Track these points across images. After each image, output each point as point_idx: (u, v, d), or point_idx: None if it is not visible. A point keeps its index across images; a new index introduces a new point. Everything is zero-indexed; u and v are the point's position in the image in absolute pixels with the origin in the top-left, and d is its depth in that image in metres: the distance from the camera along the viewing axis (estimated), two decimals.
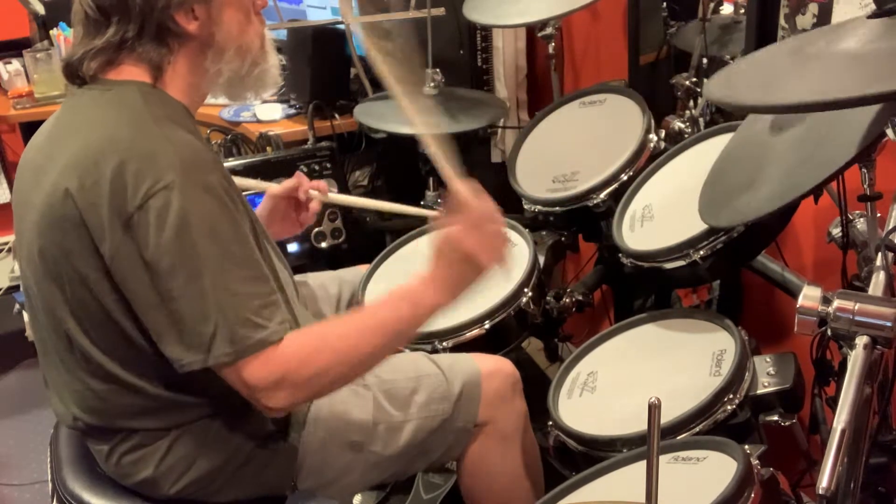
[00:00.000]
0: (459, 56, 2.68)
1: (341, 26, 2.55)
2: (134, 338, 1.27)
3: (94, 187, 1.19)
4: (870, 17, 1.02)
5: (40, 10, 3.13)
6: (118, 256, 1.20)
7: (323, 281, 1.85)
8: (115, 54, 1.28)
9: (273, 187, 1.76)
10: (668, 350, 1.62)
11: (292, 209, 1.77)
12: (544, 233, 2.02)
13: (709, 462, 1.27)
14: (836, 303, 0.98)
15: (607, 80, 2.36)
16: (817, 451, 1.58)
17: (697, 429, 1.38)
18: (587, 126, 2.11)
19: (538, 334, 2.06)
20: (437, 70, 2.33)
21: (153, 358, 1.26)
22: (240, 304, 1.21)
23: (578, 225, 2.03)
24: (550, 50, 2.51)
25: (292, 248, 2.38)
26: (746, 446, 1.23)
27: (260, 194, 1.80)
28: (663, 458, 1.29)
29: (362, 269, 1.92)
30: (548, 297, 1.89)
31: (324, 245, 2.42)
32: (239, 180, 1.79)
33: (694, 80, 2.03)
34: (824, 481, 0.83)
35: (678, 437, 1.37)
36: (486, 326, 1.67)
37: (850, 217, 1.43)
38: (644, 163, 1.90)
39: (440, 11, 2.39)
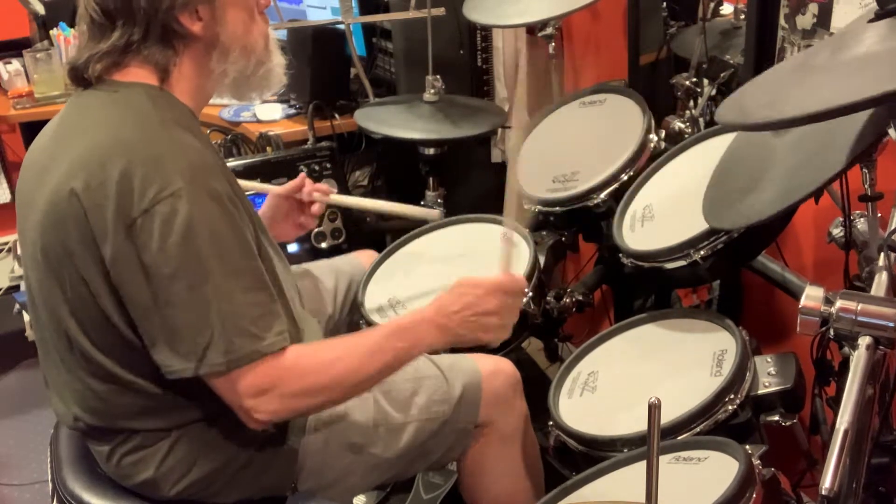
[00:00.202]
0: (459, 56, 2.68)
1: (341, 26, 2.55)
2: (132, 339, 1.27)
3: (100, 188, 1.19)
4: (871, 20, 1.02)
5: (40, 10, 3.13)
6: (118, 259, 1.20)
7: (319, 274, 1.85)
8: (121, 57, 1.28)
9: (275, 188, 1.76)
10: (669, 350, 1.62)
11: (295, 210, 1.77)
12: (544, 233, 2.02)
13: (710, 462, 1.27)
14: (839, 303, 0.98)
15: (607, 80, 2.36)
16: (818, 451, 1.58)
17: (698, 429, 1.38)
18: (587, 126, 2.11)
19: (538, 334, 2.06)
20: (438, 77, 2.33)
21: (152, 359, 1.26)
22: (239, 314, 1.21)
23: (578, 225, 2.03)
24: (550, 50, 2.51)
25: (292, 248, 2.38)
26: (747, 446, 1.23)
27: (262, 194, 1.80)
28: (664, 458, 1.29)
29: (359, 256, 1.92)
30: (548, 297, 1.89)
31: (324, 245, 2.42)
32: (242, 183, 1.80)
33: (694, 80, 2.03)
34: (827, 482, 0.83)
35: (679, 437, 1.37)
36: None
37: (851, 217, 1.43)
38: (644, 163, 1.89)
39: (440, 11, 2.39)
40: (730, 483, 1.14)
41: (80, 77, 1.30)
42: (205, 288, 1.19)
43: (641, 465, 1.32)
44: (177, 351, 1.21)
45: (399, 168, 2.80)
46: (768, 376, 1.45)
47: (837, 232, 1.45)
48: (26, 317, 2.75)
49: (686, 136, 1.95)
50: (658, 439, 0.77)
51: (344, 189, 2.50)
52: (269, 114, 2.73)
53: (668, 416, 1.38)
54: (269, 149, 2.56)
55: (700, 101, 2.01)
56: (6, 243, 3.54)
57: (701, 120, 1.99)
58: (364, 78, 2.61)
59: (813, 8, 1.68)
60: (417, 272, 1.85)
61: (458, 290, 1.37)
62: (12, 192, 3.41)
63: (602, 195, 1.89)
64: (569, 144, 2.10)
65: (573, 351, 1.72)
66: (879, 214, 1.31)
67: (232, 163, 2.38)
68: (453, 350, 1.49)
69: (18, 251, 2.86)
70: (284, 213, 1.76)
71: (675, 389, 1.48)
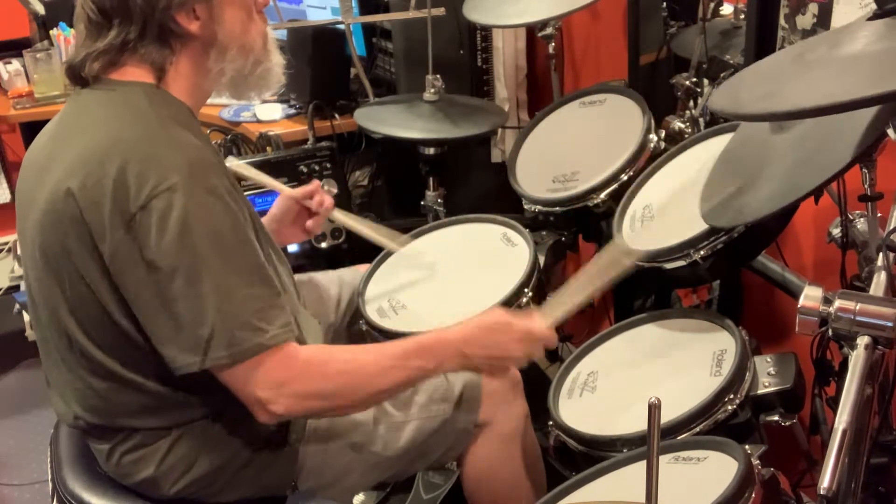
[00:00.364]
0: (459, 56, 2.68)
1: (341, 26, 2.55)
2: (133, 337, 1.27)
3: (96, 186, 1.19)
4: (870, 18, 1.02)
5: (40, 10, 3.13)
6: (117, 256, 1.20)
7: (323, 282, 1.86)
8: (118, 56, 1.28)
9: (289, 190, 1.77)
10: (669, 350, 1.61)
11: (303, 215, 1.77)
12: (544, 233, 2.02)
13: (709, 462, 1.27)
14: (838, 303, 0.98)
15: (607, 80, 2.36)
16: (818, 451, 1.58)
17: (698, 429, 1.38)
18: (587, 126, 2.11)
19: None
20: (438, 76, 2.34)
21: (153, 356, 1.26)
22: (240, 308, 1.21)
23: (578, 225, 2.03)
24: (550, 50, 2.51)
25: (292, 248, 2.38)
26: (747, 446, 1.23)
27: (264, 195, 1.80)
28: (664, 458, 1.29)
29: (362, 269, 1.92)
30: (548, 297, 1.88)
31: (324, 245, 2.42)
32: (257, 175, 1.80)
33: (694, 80, 2.03)
34: (825, 481, 0.83)
35: (679, 437, 1.37)
36: None
37: (851, 217, 1.43)
38: (644, 163, 1.89)
39: (440, 11, 2.39)
40: (729, 483, 1.14)
41: (77, 76, 1.30)
42: (204, 282, 1.19)
43: (641, 465, 1.32)
44: (181, 346, 1.21)
45: (399, 168, 2.80)
46: (768, 376, 1.45)
47: (837, 232, 1.45)
48: (26, 317, 2.75)
49: (686, 136, 1.95)
50: (658, 439, 0.77)
51: (344, 189, 2.50)
52: (269, 114, 2.73)
53: (667, 416, 1.38)
54: (269, 149, 2.56)
55: (700, 101, 2.01)
56: (6, 243, 3.54)
57: (701, 120, 1.99)
58: (364, 78, 2.61)
59: (813, 8, 1.68)
60: (417, 272, 1.85)
61: (493, 326, 1.37)
62: (12, 192, 3.41)
63: (602, 195, 1.89)
64: (569, 144, 2.10)
65: (573, 351, 1.72)
66: (879, 214, 1.31)
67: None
68: None
69: (18, 251, 2.86)
70: (293, 217, 1.76)
71: (674, 389, 1.48)
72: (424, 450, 1.53)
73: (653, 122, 1.95)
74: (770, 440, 1.44)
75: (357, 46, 2.74)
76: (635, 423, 1.44)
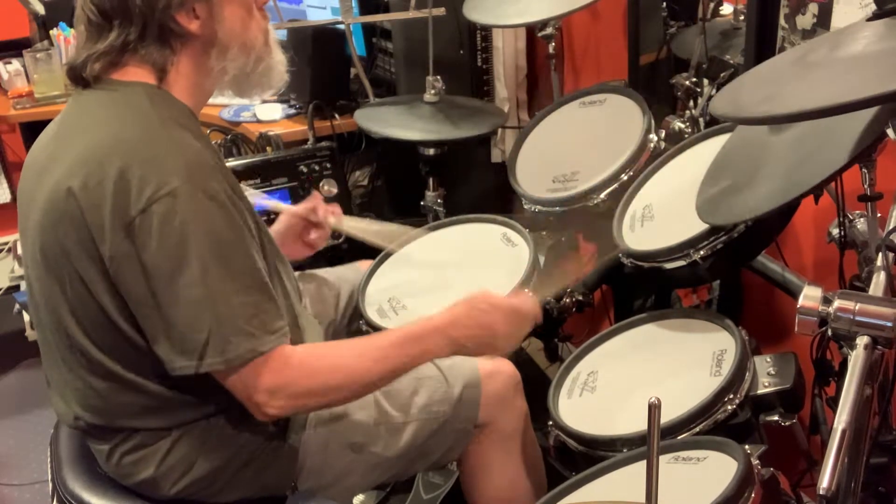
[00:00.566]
0: (459, 56, 2.68)
1: (341, 26, 2.55)
2: (132, 338, 1.27)
3: (97, 188, 1.19)
4: (870, 19, 1.02)
5: (40, 10, 3.13)
6: (117, 258, 1.20)
7: (322, 279, 1.86)
8: (119, 56, 1.28)
9: (290, 207, 1.77)
10: (669, 350, 1.62)
11: (307, 230, 1.77)
12: (544, 233, 2.02)
13: (709, 462, 1.27)
14: (837, 303, 0.98)
15: (607, 80, 2.36)
16: (817, 451, 1.58)
17: (698, 429, 1.38)
18: (587, 126, 2.11)
19: (538, 334, 2.06)
20: (438, 77, 2.34)
21: (153, 357, 1.26)
22: (236, 314, 1.21)
23: (578, 225, 2.03)
24: (550, 50, 2.51)
25: None
26: (747, 446, 1.23)
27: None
28: (663, 458, 1.29)
29: (362, 266, 1.92)
30: (548, 297, 1.89)
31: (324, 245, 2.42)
32: (257, 198, 1.80)
33: (694, 80, 2.03)
34: (825, 481, 0.83)
35: (678, 437, 1.37)
36: None
37: (851, 217, 1.43)
38: (644, 163, 1.89)
39: (440, 11, 2.39)
40: (729, 483, 1.14)
41: (78, 77, 1.30)
42: (202, 287, 1.19)
43: (641, 465, 1.32)
44: (178, 349, 1.22)
45: (399, 168, 2.80)
46: (768, 376, 1.45)
47: (837, 232, 1.45)
48: (26, 317, 2.75)
49: (686, 136, 1.95)
50: (658, 439, 0.77)
51: (344, 189, 2.50)
52: (269, 114, 2.73)
53: (667, 415, 1.38)
54: (269, 149, 2.56)
55: (700, 101, 2.01)
56: (6, 243, 3.54)
57: (701, 120, 1.99)
58: (364, 78, 2.61)
59: (813, 8, 1.68)
60: (417, 272, 1.85)
61: (475, 305, 1.38)
62: (12, 192, 3.41)
63: (602, 195, 1.89)
64: (569, 144, 2.10)
65: (573, 351, 1.72)
66: (879, 214, 1.31)
67: (232, 163, 2.38)
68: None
69: (19, 251, 2.86)
70: (296, 233, 1.77)
71: (674, 389, 1.48)
72: (424, 450, 1.53)
73: (653, 122, 1.95)
74: (770, 440, 1.44)
75: (357, 46, 2.74)
76: (635, 423, 1.44)
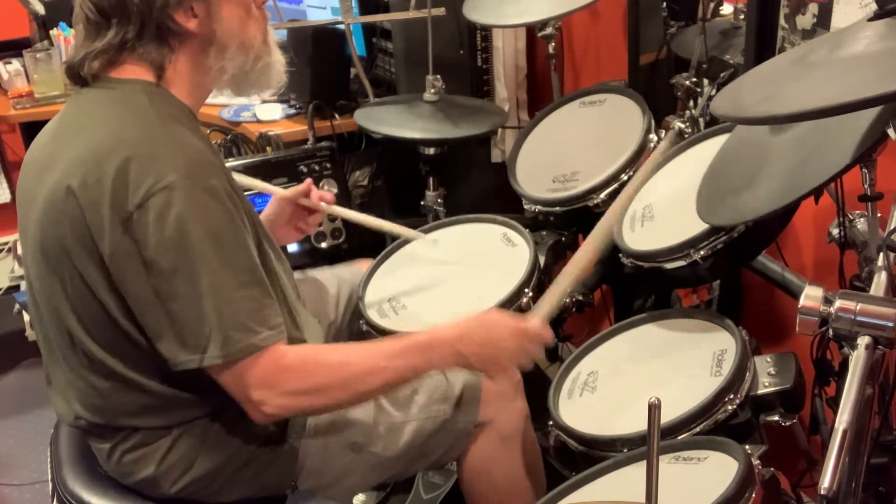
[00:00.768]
0: (459, 56, 2.68)
1: (341, 26, 2.55)
2: (133, 335, 1.27)
3: (96, 185, 1.19)
4: (871, 19, 1.02)
5: (40, 10, 3.13)
6: (117, 255, 1.20)
7: (322, 280, 1.86)
8: (117, 55, 1.28)
9: (281, 191, 1.77)
10: (669, 350, 1.61)
11: (298, 215, 1.77)
12: (544, 233, 2.02)
13: (709, 462, 1.27)
14: (838, 303, 0.98)
15: (607, 80, 2.36)
16: (818, 451, 1.58)
17: (698, 429, 1.38)
18: (587, 126, 2.11)
19: None
20: (438, 76, 2.34)
21: (154, 355, 1.26)
22: (235, 308, 1.21)
23: (578, 225, 2.03)
24: (550, 50, 2.51)
25: (292, 248, 2.38)
26: (747, 446, 1.23)
27: (263, 195, 1.80)
28: (664, 458, 1.29)
29: (361, 265, 1.92)
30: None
31: (324, 245, 2.42)
32: (248, 180, 1.80)
33: (694, 80, 2.03)
34: (826, 482, 0.83)
35: (679, 437, 1.37)
36: None
37: (851, 217, 1.43)
38: (644, 163, 1.89)
39: (440, 11, 2.39)
40: (729, 483, 1.14)
41: (77, 75, 1.31)
42: (202, 282, 1.19)
43: (641, 465, 1.32)
44: (180, 344, 1.22)
45: (399, 168, 2.80)
46: (768, 376, 1.45)
47: (837, 232, 1.45)
48: (26, 317, 2.75)
49: (686, 136, 1.95)
50: (658, 439, 0.77)
51: (344, 189, 2.50)
52: (269, 114, 2.73)
53: (667, 416, 1.38)
54: (269, 149, 2.56)
55: (700, 101, 2.01)
56: (6, 243, 3.54)
57: (701, 120, 1.99)
58: (364, 78, 2.61)
59: (813, 8, 1.68)
60: (417, 272, 1.85)
61: (486, 323, 1.38)
62: (12, 192, 3.41)
63: (602, 195, 1.89)
64: (569, 144, 2.10)
65: (573, 351, 1.72)
66: (879, 214, 1.31)
67: (232, 163, 2.38)
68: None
69: (19, 251, 2.86)
70: (287, 217, 1.76)
71: (675, 389, 1.48)
72: (424, 450, 1.53)
73: (653, 122, 1.95)
74: (770, 440, 1.44)
75: (357, 46, 2.74)
76: (635, 423, 1.44)
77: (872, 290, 1.05)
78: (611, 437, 1.43)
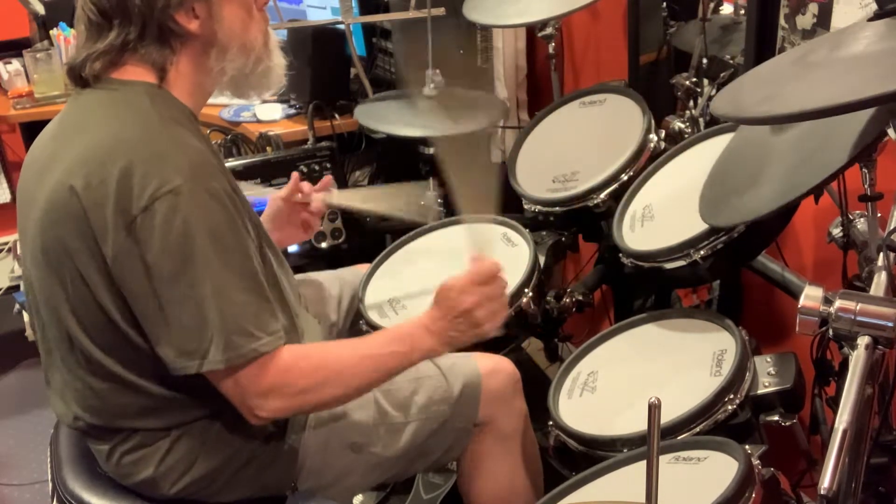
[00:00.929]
0: (459, 56, 2.68)
1: (341, 26, 2.55)
2: (132, 338, 1.27)
3: (100, 187, 1.19)
4: (871, 19, 1.02)
5: (40, 10, 3.13)
6: (120, 257, 1.20)
7: (323, 282, 1.85)
8: (118, 56, 1.28)
9: (272, 191, 1.77)
10: (669, 350, 1.62)
11: (296, 213, 1.76)
12: (544, 233, 2.02)
13: (709, 462, 1.27)
14: (838, 303, 0.98)
15: (607, 80, 2.36)
16: (818, 451, 1.58)
17: (698, 429, 1.38)
18: (587, 126, 2.11)
19: (538, 334, 2.06)
20: (437, 70, 2.33)
21: (153, 357, 1.26)
22: (237, 313, 1.22)
23: (578, 225, 2.03)
24: (550, 50, 2.51)
25: (292, 248, 2.38)
26: (747, 446, 1.23)
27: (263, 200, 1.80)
28: (664, 458, 1.29)
29: (362, 268, 1.92)
30: (548, 297, 1.89)
31: (324, 245, 2.42)
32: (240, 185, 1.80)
33: (694, 80, 2.03)
34: (826, 482, 0.83)
35: (679, 437, 1.37)
36: None
37: (851, 217, 1.43)
38: (644, 163, 1.89)
39: (440, 11, 2.39)
40: (729, 483, 1.14)
41: (78, 76, 1.30)
42: (205, 286, 1.19)
43: (641, 465, 1.32)
44: (180, 348, 1.22)
45: (399, 168, 2.80)
46: (768, 376, 1.45)
47: (837, 232, 1.45)
48: (26, 317, 2.75)
49: (686, 136, 1.95)
50: (658, 439, 0.77)
51: (344, 189, 2.50)
52: (269, 114, 2.73)
53: (667, 416, 1.38)
54: (269, 149, 2.56)
55: (700, 101, 2.01)
56: (6, 243, 3.54)
57: (701, 120, 1.99)
58: (364, 78, 2.61)
59: (813, 8, 1.68)
60: (417, 272, 1.85)
61: (438, 298, 1.38)
62: (12, 192, 3.41)
63: (602, 195, 1.89)
64: (569, 144, 2.10)
65: (573, 351, 1.72)
66: (879, 214, 1.31)
67: (232, 163, 2.38)
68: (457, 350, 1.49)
69: (19, 251, 2.85)
70: (286, 217, 1.76)
71: (675, 389, 1.48)
72: (424, 450, 1.53)
73: (653, 122, 1.95)
74: (770, 440, 1.44)
75: (357, 46, 2.74)
76: (635, 423, 1.44)
77: (872, 290, 1.05)
78: (611, 437, 1.43)
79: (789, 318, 2.00)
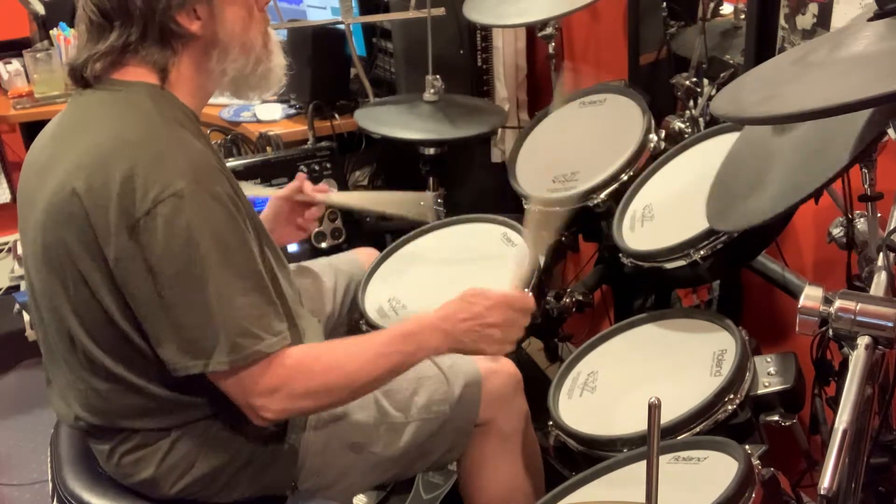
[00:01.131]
0: (459, 56, 2.68)
1: (341, 26, 2.55)
2: (134, 339, 1.27)
3: (102, 189, 1.19)
4: (871, 19, 1.02)
5: (40, 10, 3.13)
6: (122, 260, 1.20)
7: (318, 272, 1.85)
8: (120, 57, 1.28)
9: (273, 191, 1.77)
10: (669, 350, 1.62)
11: (296, 213, 1.77)
12: (544, 233, 2.02)
13: (709, 462, 1.27)
14: (838, 303, 0.98)
15: (607, 80, 2.36)
16: (818, 451, 1.59)
17: (698, 429, 1.38)
18: (587, 126, 2.11)
19: (538, 334, 2.06)
20: (438, 76, 2.33)
21: (154, 358, 1.26)
22: (241, 315, 1.22)
23: (578, 225, 2.03)
24: (550, 50, 2.51)
25: (292, 248, 2.38)
26: (747, 446, 1.23)
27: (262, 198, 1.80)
28: (664, 458, 1.29)
29: (359, 255, 1.92)
30: (548, 297, 1.89)
31: (324, 245, 2.42)
32: (242, 186, 1.80)
33: (694, 80, 2.03)
34: (826, 482, 0.83)
35: (679, 437, 1.37)
36: None
37: (851, 217, 1.43)
38: (644, 163, 1.89)
39: (440, 11, 2.39)
40: (729, 483, 1.14)
41: (79, 77, 1.30)
42: (209, 289, 1.19)
43: (641, 465, 1.32)
44: (184, 349, 1.22)
45: (399, 168, 2.80)
46: (768, 376, 1.45)
47: (837, 232, 1.45)
48: (26, 317, 2.75)
49: (686, 136, 1.95)
50: (658, 439, 0.77)
51: (344, 189, 2.50)
52: (269, 114, 2.73)
53: (667, 416, 1.38)
54: (269, 149, 2.57)
55: (700, 101, 2.01)
56: (6, 243, 3.54)
57: (701, 120, 1.99)
58: (364, 78, 2.61)
59: (813, 8, 1.68)
60: (417, 272, 1.85)
61: (466, 298, 1.38)
62: (12, 192, 3.41)
63: (602, 195, 1.89)
64: (569, 144, 2.10)
65: (573, 351, 1.72)
66: (879, 214, 1.31)
67: (232, 163, 2.38)
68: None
69: (19, 251, 2.86)
70: (286, 216, 1.76)
71: (675, 389, 1.48)
72: (424, 450, 1.53)
73: (653, 122, 1.95)
74: (770, 440, 1.44)
75: (357, 46, 2.74)
76: (635, 423, 1.44)
77: (872, 290, 1.05)
78: (611, 437, 1.43)
79: (789, 318, 2.00)
